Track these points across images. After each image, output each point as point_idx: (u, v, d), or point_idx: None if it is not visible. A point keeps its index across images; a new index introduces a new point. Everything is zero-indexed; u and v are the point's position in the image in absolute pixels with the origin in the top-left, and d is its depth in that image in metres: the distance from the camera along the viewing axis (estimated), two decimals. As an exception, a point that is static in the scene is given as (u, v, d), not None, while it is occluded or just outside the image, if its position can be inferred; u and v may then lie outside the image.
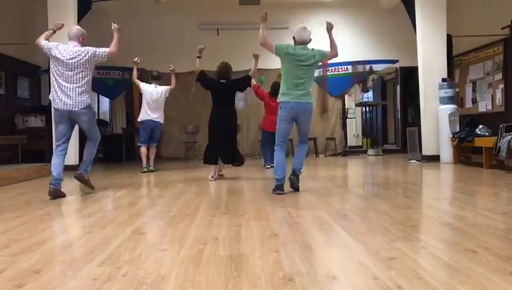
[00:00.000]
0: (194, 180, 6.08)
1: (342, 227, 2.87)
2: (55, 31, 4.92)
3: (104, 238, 2.73)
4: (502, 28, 7.87)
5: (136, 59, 7.30)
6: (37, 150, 8.30)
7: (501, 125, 6.28)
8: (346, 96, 11.17)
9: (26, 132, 8.26)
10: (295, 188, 4.57)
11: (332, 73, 10.49)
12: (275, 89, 7.33)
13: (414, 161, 8.10)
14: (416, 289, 1.74)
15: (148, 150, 7.35)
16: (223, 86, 5.93)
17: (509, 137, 5.93)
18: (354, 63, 10.24)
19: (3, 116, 8.55)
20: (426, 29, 8.04)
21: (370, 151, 10.83)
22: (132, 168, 8.37)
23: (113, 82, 10.33)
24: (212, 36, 10.52)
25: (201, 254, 2.30)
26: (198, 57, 6.05)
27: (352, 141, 13.34)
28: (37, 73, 9.68)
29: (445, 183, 5.58)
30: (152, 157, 7.40)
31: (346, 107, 11.25)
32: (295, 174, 4.57)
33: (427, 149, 8.07)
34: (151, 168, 7.31)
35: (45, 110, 8.73)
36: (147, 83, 7.44)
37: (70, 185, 6.13)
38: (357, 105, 12.02)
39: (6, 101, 8.68)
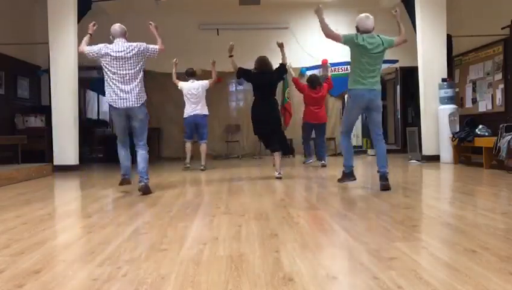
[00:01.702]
0: (195, 180, 6.09)
1: (342, 227, 2.87)
2: (91, 35, 4.89)
3: (104, 238, 2.73)
4: (502, 28, 7.87)
5: (174, 60, 7.41)
6: (37, 150, 8.31)
7: (501, 125, 6.28)
8: (346, 96, 11.15)
9: (26, 132, 8.26)
10: (388, 188, 4.46)
11: (332, 73, 10.47)
12: (313, 81, 7.45)
13: (414, 161, 8.09)
14: (416, 289, 1.74)
15: (199, 149, 7.49)
16: (266, 77, 5.94)
17: (509, 137, 5.93)
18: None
19: (3, 116, 8.55)
20: (426, 29, 8.03)
21: (370, 151, 10.82)
22: (132, 168, 8.36)
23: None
24: (212, 36, 10.52)
25: (201, 254, 2.30)
26: (230, 56, 5.99)
27: (352, 141, 13.33)
28: (37, 73, 9.68)
29: (445, 183, 5.58)
30: (203, 155, 7.46)
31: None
32: (385, 178, 4.46)
33: (427, 149, 8.07)
34: (202, 167, 7.37)
35: (45, 110, 8.73)
36: (182, 81, 7.57)
37: (70, 185, 6.13)
38: (357, 105, 12.01)
39: (6, 101, 8.68)
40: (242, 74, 6.04)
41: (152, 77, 10.00)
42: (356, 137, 13.77)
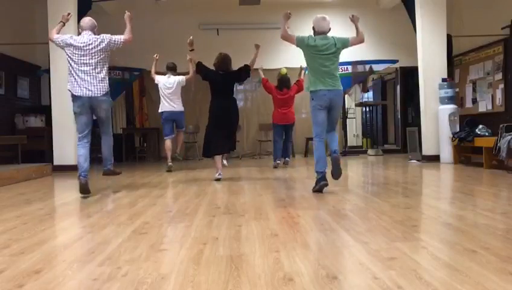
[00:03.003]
0: (194, 180, 6.08)
1: (342, 227, 2.87)
2: (64, 24, 4.99)
3: (104, 238, 2.73)
4: (502, 28, 7.88)
5: (155, 55, 7.44)
6: (37, 150, 8.31)
7: (501, 125, 6.27)
8: (346, 96, 11.17)
9: (26, 132, 8.27)
10: (337, 172, 4.45)
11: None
12: (281, 82, 7.59)
13: (414, 161, 8.10)
14: (416, 289, 1.74)
15: (176, 138, 7.51)
16: (222, 76, 5.87)
17: (509, 137, 5.93)
18: (354, 63, 10.22)
19: (3, 116, 8.55)
20: (426, 29, 8.04)
21: (370, 151, 10.82)
22: (132, 168, 8.37)
23: (113, 82, 10.32)
24: (212, 36, 10.52)
25: (201, 254, 2.30)
26: (191, 50, 6.06)
27: (352, 141, 13.35)
28: (37, 73, 9.69)
29: (445, 183, 5.58)
30: (179, 145, 7.49)
31: (346, 107, 11.26)
32: (336, 154, 4.50)
33: (427, 149, 8.07)
34: (176, 155, 7.37)
35: (45, 110, 8.73)
36: (163, 75, 7.57)
37: (70, 185, 6.13)
38: (357, 105, 12.03)
39: (6, 101, 8.68)
40: (199, 71, 5.98)
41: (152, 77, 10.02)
42: (356, 137, 13.82)
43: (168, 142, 7.45)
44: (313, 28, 4.73)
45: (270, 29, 10.54)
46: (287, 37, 4.71)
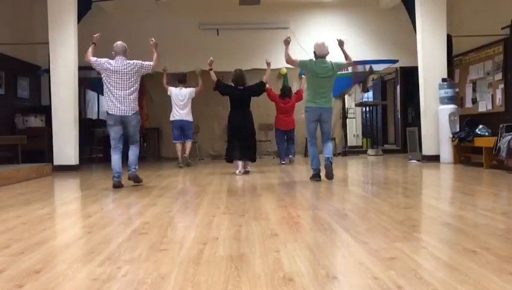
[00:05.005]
0: (194, 180, 6.09)
1: (342, 227, 2.87)
2: (95, 44, 5.39)
3: (104, 238, 2.73)
4: (502, 28, 7.88)
5: (164, 67, 7.99)
6: (37, 150, 8.31)
7: (501, 125, 6.27)
8: (346, 96, 11.17)
9: (26, 132, 8.27)
10: (330, 175, 5.35)
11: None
12: (284, 92, 8.48)
13: (414, 161, 8.09)
14: (416, 289, 1.74)
15: (184, 145, 8.33)
16: (241, 92, 6.58)
17: (509, 137, 5.93)
18: (354, 63, 10.20)
19: (3, 116, 8.55)
20: (426, 29, 8.04)
21: (370, 151, 10.82)
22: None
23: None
24: (212, 36, 10.53)
25: (201, 254, 2.30)
26: (210, 70, 6.66)
27: (352, 141, 13.35)
28: (37, 73, 9.69)
29: (445, 183, 5.58)
30: (187, 151, 8.31)
31: (346, 107, 11.25)
32: (329, 161, 5.38)
33: (427, 149, 8.07)
34: (185, 155, 8.21)
35: (45, 110, 8.74)
36: (173, 86, 8.32)
37: (70, 185, 6.14)
38: (357, 105, 12.03)
39: (6, 101, 8.68)
40: (218, 88, 6.68)
41: (152, 77, 10.02)
42: (356, 137, 13.83)
43: (178, 145, 8.29)
44: (314, 52, 5.39)
45: (270, 29, 10.55)
46: (290, 61, 5.43)
